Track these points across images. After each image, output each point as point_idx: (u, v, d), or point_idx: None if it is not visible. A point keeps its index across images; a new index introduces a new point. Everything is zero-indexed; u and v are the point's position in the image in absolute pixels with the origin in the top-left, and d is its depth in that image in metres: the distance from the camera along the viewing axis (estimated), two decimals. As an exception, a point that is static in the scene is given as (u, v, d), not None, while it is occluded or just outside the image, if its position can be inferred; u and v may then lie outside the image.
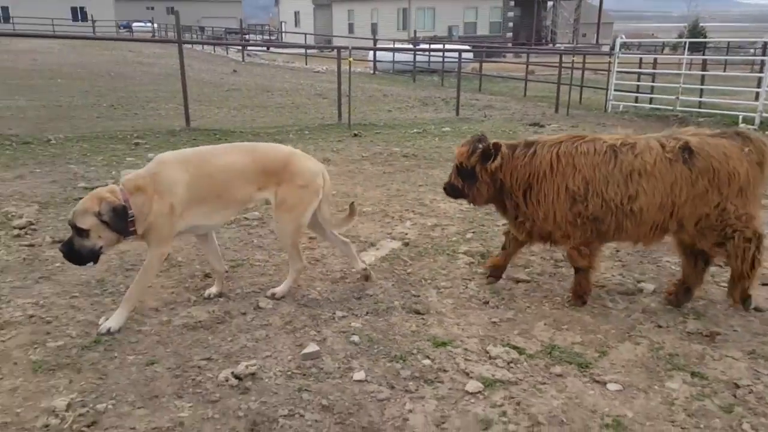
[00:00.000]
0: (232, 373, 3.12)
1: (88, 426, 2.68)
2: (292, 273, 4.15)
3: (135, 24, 53.92)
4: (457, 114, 14.84)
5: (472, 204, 4.30)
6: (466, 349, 3.48)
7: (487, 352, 3.43)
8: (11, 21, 47.22)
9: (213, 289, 4.09)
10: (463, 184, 4.09)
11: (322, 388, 3.07)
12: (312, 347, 3.42)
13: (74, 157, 8.22)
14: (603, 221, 3.79)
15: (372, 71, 27.73)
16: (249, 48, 35.24)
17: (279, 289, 4.11)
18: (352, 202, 4.36)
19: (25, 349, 3.31)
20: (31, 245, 4.85)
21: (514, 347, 3.48)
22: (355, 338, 3.58)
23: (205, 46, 37.78)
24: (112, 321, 3.54)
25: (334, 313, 3.89)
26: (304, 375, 3.19)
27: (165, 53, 29.33)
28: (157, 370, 3.17)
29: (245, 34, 40.90)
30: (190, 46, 34.96)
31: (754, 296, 3.98)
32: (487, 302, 4.12)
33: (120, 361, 3.24)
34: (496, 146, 3.95)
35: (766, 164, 3.68)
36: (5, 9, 51.29)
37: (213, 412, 2.84)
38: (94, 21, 48.03)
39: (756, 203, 3.74)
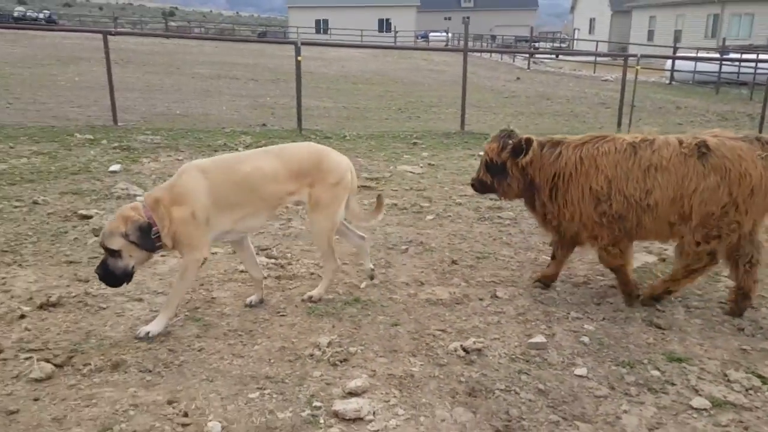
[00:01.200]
0: (461, 345, 3.55)
1: (341, 361, 3.37)
2: (327, 274, 4.14)
3: (432, 34, 58.21)
4: (760, 131, 13.20)
5: (501, 199, 4.46)
6: (702, 369, 3.39)
7: (726, 376, 3.30)
8: (329, 32, 54.93)
9: (254, 297, 4.05)
10: (492, 179, 4.25)
11: (541, 375, 3.32)
12: (539, 338, 3.68)
13: (362, 151, 9.57)
14: (626, 218, 3.95)
15: (668, 81, 25.88)
16: (536, 55, 35.61)
17: (315, 292, 4.12)
18: (379, 195, 4.45)
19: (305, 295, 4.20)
20: (319, 219, 5.94)
21: (759, 376, 3.28)
22: (585, 339, 3.73)
23: (494, 54, 39.25)
24: (153, 326, 3.58)
25: (569, 313, 4.07)
26: (527, 361, 3.47)
27: (454, 61, 31.30)
28: (400, 331, 3.76)
29: (535, 42, 41.40)
30: (478, 54, 36.77)
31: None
32: (743, 329, 3.88)
33: (372, 318, 3.92)
34: (528, 141, 4.08)
35: None
36: (325, 21, 59.97)
37: (439, 373, 3.31)
38: (396, 31, 53.26)
39: (757, 215, 3.83)
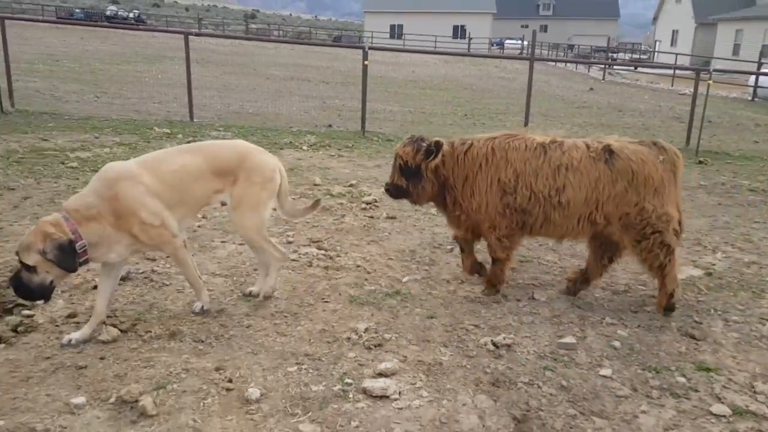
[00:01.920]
0: (492, 340, 3.73)
1: (375, 346, 3.61)
2: (274, 265, 4.08)
3: (507, 41, 57.76)
4: None
5: (415, 203, 4.61)
6: (730, 380, 3.44)
7: (753, 387, 3.34)
8: (402, 37, 55.47)
9: (75, 335, 3.48)
10: (407, 183, 4.34)
11: (566, 373, 3.46)
12: (570, 339, 3.82)
13: (422, 154, 9.78)
14: (531, 213, 4.17)
15: (750, 98, 24.84)
16: (612, 66, 34.88)
17: (267, 287, 4.10)
18: (318, 199, 4.55)
19: (349, 286, 4.47)
20: (371, 217, 6.21)
21: (787, 390, 3.30)
22: (617, 344, 3.82)
23: (569, 64, 38.68)
24: (202, 302, 3.89)
25: (604, 319, 4.17)
26: (554, 359, 3.61)
27: (526, 69, 31.12)
28: (434, 323, 3.97)
29: (612, 53, 40.51)
30: (553, 63, 36.30)
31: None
32: (781, 345, 3.88)
33: (409, 310, 4.14)
34: (438, 144, 4.24)
35: (678, 173, 4.19)
36: (400, 27, 60.58)
37: (466, 363, 3.50)
38: (470, 38, 53.22)
39: (672, 205, 4.15)
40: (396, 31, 60.31)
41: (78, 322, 3.67)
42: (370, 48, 11.73)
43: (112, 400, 2.93)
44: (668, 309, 4.26)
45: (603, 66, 33.00)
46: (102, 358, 3.31)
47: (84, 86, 15.40)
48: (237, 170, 3.79)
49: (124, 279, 4.29)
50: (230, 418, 2.87)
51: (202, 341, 3.56)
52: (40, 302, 3.50)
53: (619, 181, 4.04)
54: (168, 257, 4.13)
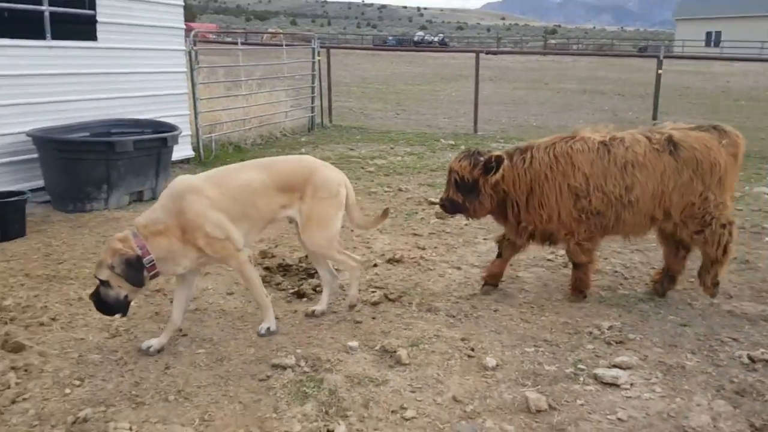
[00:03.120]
0: (748, 354, 3.62)
1: (616, 342, 3.79)
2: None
3: None
4: None
5: (471, 218, 4.47)
6: None
7: None
8: (720, 45, 50.31)
9: (153, 341, 3.68)
10: (463, 198, 4.21)
11: (834, 398, 3.22)
12: None
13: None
14: (605, 215, 4.14)
15: None
16: None
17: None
18: (387, 209, 4.46)
19: (602, 288, 4.64)
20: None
21: None
22: None
23: None
24: (266, 324, 3.87)
25: None
26: (824, 383, 3.36)
27: None
28: (687, 331, 3.97)
29: None
30: None
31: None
32: None
33: (662, 316, 4.19)
34: (498, 159, 4.12)
35: (739, 155, 4.21)
36: (717, 33, 55.01)
37: (712, 371, 3.48)
38: (809, 41, 45.98)
39: (729, 192, 4.24)
40: (713, 39, 54.97)
41: (360, 290, 4.54)
42: (665, 57, 11.32)
43: (377, 347, 3.68)
44: (716, 284, 4.33)
45: None
46: (373, 318, 4.11)
47: (387, 104, 17.58)
48: (304, 186, 3.85)
49: (397, 261, 5.12)
50: (468, 378, 3.39)
51: (454, 316, 4.15)
52: (117, 316, 3.67)
53: (685, 171, 4.07)
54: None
